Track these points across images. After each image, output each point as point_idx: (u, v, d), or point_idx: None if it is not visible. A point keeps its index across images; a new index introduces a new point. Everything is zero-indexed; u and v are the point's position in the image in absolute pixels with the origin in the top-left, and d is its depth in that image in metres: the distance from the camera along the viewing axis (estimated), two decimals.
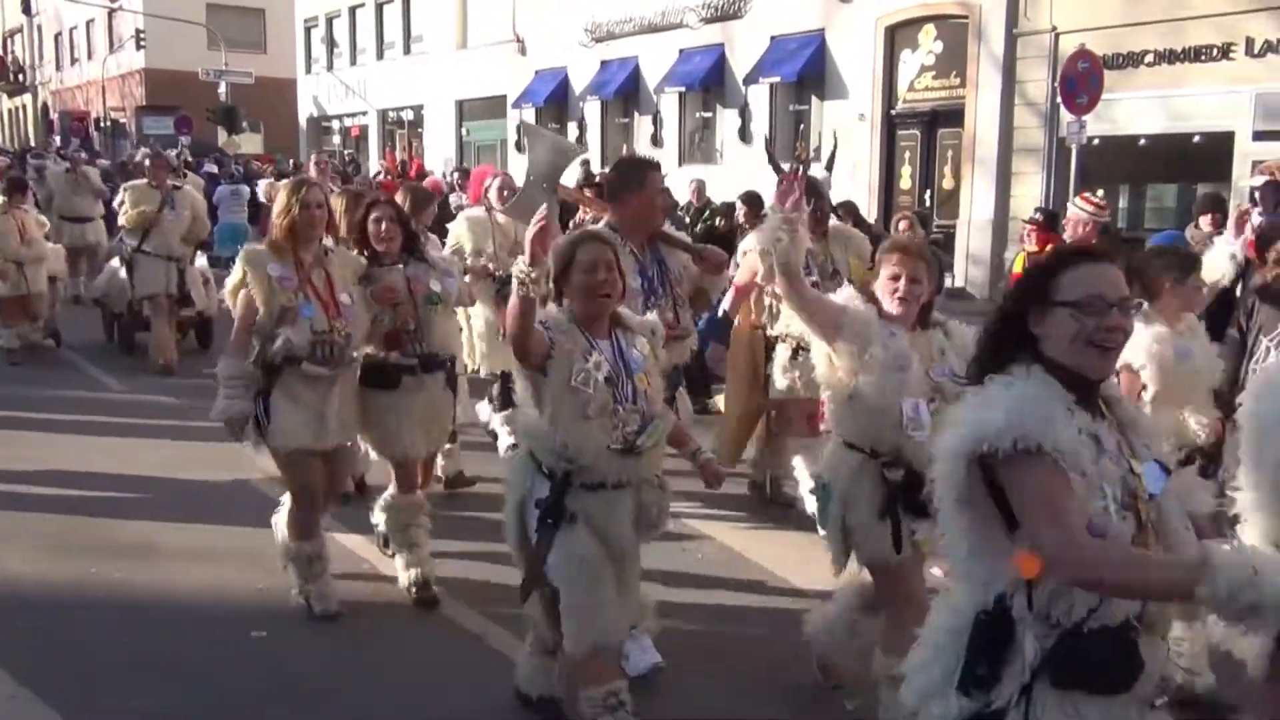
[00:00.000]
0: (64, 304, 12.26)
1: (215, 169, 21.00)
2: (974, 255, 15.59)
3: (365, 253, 4.89)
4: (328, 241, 4.70)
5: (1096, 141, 13.32)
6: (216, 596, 4.94)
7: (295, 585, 4.73)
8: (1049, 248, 7.18)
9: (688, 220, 10.41)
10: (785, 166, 5.46)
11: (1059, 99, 12.32)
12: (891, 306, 3.63)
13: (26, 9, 44.28)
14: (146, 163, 10.32)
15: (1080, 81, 11.59)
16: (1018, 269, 7.64)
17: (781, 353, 5.77)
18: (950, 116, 16.06)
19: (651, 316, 3.90)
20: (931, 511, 2.28)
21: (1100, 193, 7.13)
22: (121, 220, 9.96)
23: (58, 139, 38.53)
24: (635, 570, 3.62)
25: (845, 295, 3.76)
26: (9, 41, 53.95)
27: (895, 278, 3.62)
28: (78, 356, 10.64)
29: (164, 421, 8.12)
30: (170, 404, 8.75)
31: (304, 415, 4.47)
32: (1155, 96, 13.64)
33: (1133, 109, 13.81)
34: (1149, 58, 13.56)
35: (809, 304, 3.74)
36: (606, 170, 7.17)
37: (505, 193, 6.66)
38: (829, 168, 9.36)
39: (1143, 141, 14.07)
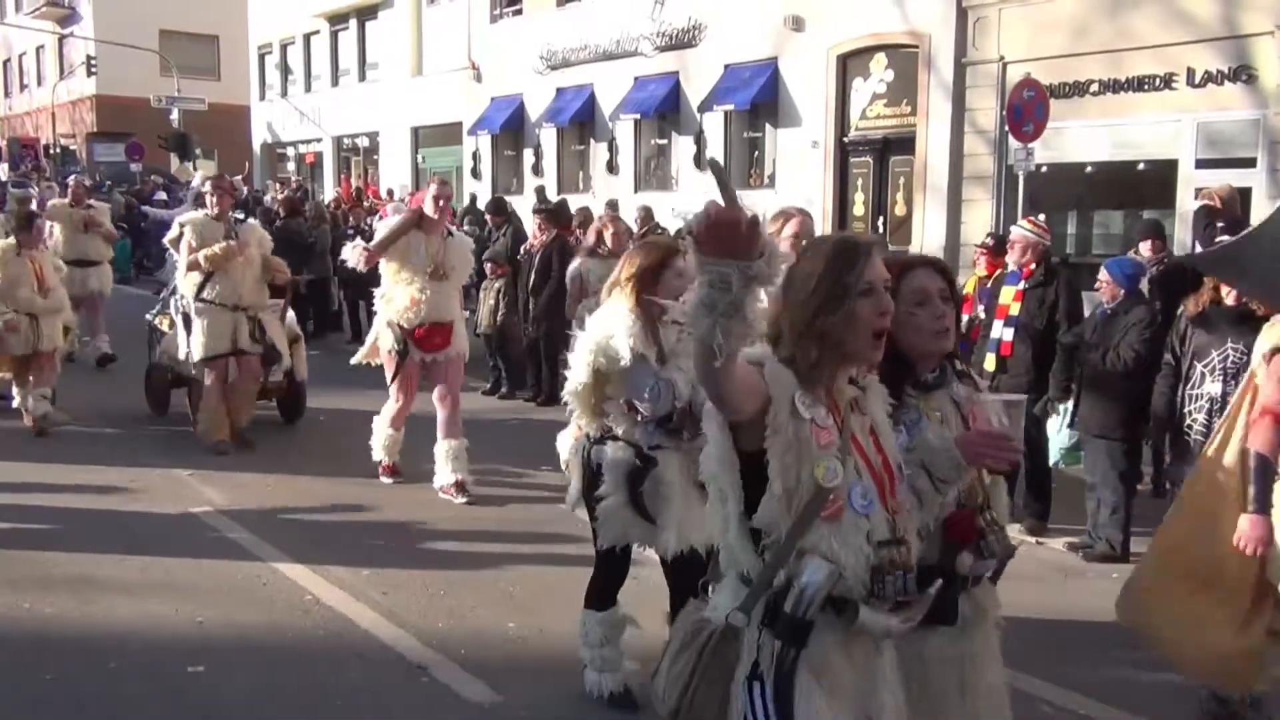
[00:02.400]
0: (78, 362, 11.12)
1: (165, 195, 20.72)
2: None
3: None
4: None
5: (1044, 169, 13.51)
6: (153, 631, 4.80)
7: None
8: (998, 272, 7.26)
9: None
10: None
11: (1006, 127, 12.49)
12: None
13: None
14: (207, 189, 8.25)
15: (1026, 110, 11.74)
16: (968, 291, 7.70)
17: None
18: (902, 144, 16.23)
19: None
20: None
21: (1041, 217, 7.21)
22: (183, 264, 7.89)
23: (5, 166, 37.91)
24: None
25: None
26: None
27: None
28: None
29: (106, 451, 7.95)
30: (114, 435, 8.59)
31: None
32: (1100, 125, 13.87)
33: (1079, 137, 14.03)
34: (1094, 87, 13.79)
35: None
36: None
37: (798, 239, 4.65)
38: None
39: (1089, 169, 14.29)
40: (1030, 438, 6.30)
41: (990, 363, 6.40)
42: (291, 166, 32.51)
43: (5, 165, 38.61)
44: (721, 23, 18.66)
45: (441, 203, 6.83)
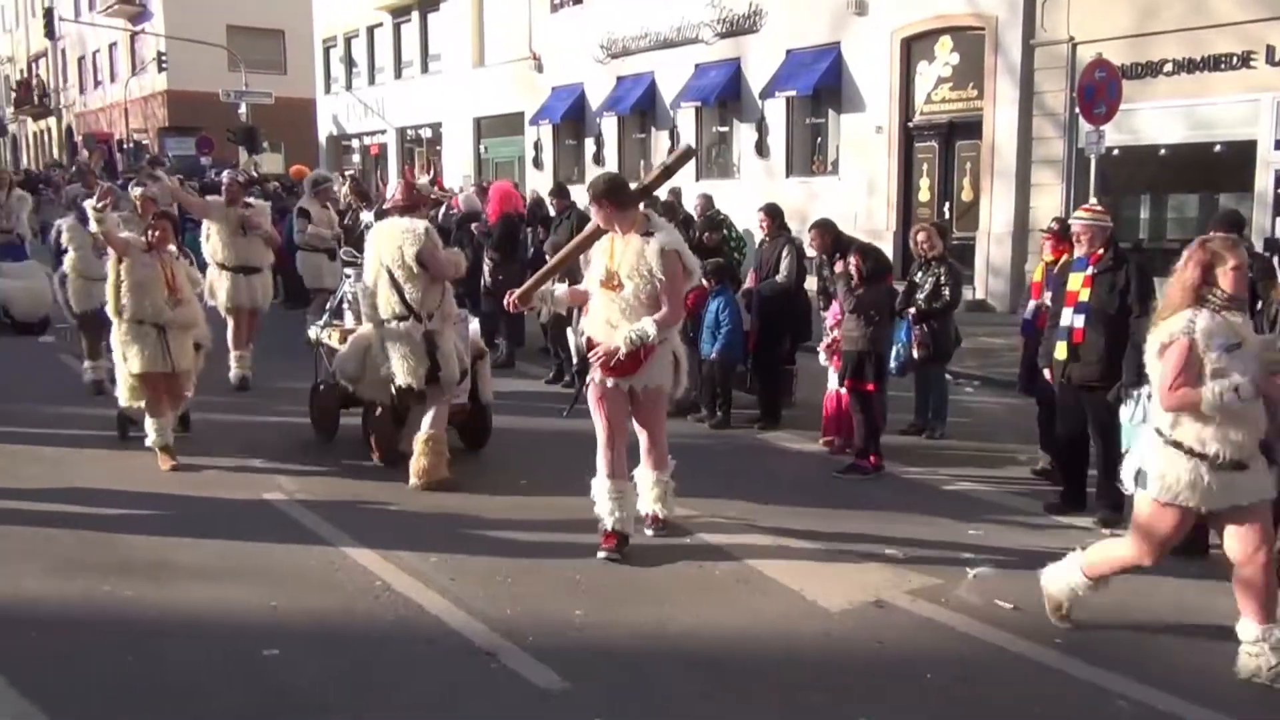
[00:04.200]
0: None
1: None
2: (994, 267, 15.47)
3: None
4: None
5: (1116, 152, 13.22)
6: (229, 614, 4.90)
7: None
8: (1064, 258, 7.10)
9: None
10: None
11: (1077, 109, 12.23)
12: None
13: (50, 33, 44.86)
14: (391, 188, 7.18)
15: (1098, 91, 11.50)
16: (1037, 278, 7.56)
17: None
18: (968, 128, 15.98)
19: None
20: None
21: (1093, 200, 6.97)
22: (413, 273, 6.83)
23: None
24: None
25: None
26: (34, 65, 54.65)
27: None
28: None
29: (180, 440, 8.10)
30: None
31: None
32: (1175, 106, 13.52)
33: (1152, 118, 13.70)
34: (1168, 67, 13.45)
35: None
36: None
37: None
38: None
39: (1163, 151, 13.94)
40: (1104, 426, 6.17)
41: (1061, 351, 6.26)
42: (356, 159, 32.94)
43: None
44: (783, 8, 18.52)
45: (595, 206, 5.61)
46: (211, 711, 4.06)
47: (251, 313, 10.11)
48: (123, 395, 7.52)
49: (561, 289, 6.06)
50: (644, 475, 5.97)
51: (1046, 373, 6.56)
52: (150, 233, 7.37)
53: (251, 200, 10.62)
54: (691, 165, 20.54)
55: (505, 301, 6.11)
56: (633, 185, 5.96)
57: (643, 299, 5.48)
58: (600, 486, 5.75)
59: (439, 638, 4.69)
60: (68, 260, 9.60)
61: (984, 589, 5.27)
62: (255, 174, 23.67)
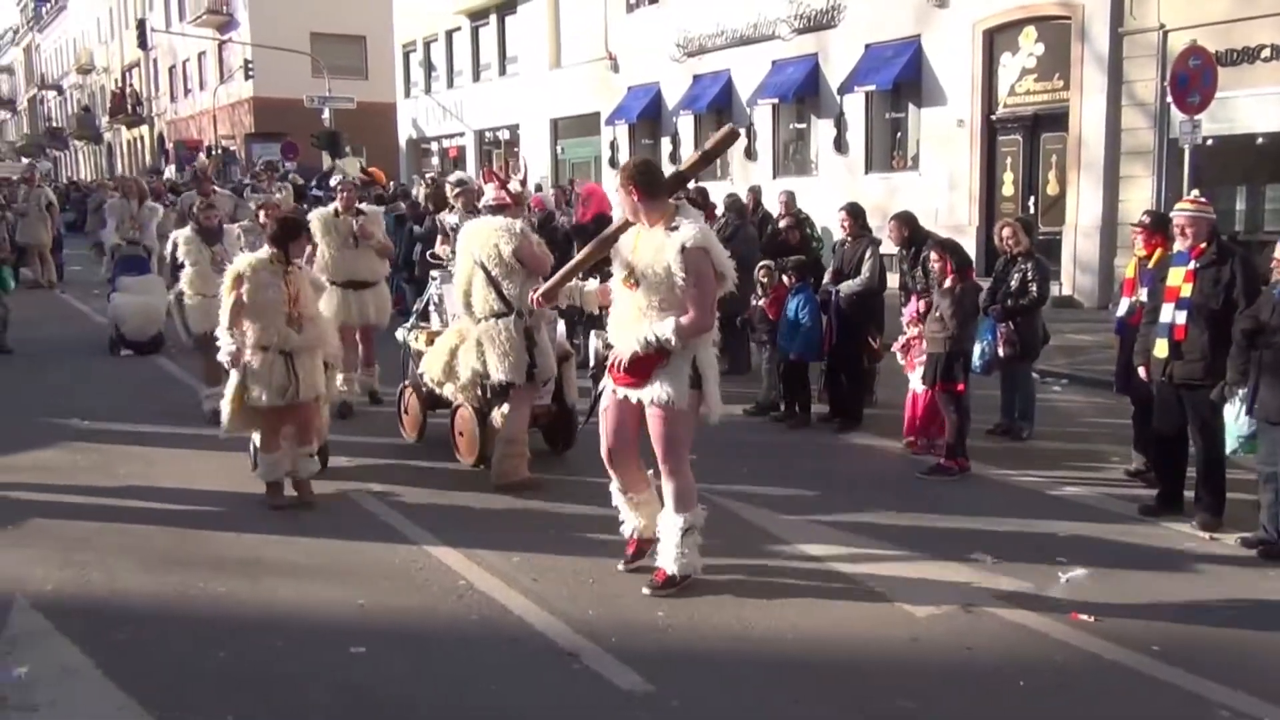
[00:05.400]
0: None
1: (320, 194, 21.40)
2: (1082, 262, 15.09)
3: None
4: None
5: (1210, 141, 12.78)
6: (317, 612, 4.98)
7: None
8: (1158, 252, 6.87)
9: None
10: None
11: (1169, 98, 11.86)
12: None
13: (143, 44, 46.24)
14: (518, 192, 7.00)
15: (1192, 79, 11.14)
16: (1129, 275, 7.33)
17: None
18: (1053, 120, 15.61)
19: None
20: None
21: (1195, 192, 6.69)
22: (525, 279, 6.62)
23: (172, 168, 40.10)
24: None
25: None
26: (128, 75, 56.45)
27: None
28: (181, 370, 10.66)
29: None
30: None
31: None
32: (1273, 93, 13.03)
33: (1249, 106, 13.23)
34: (1265, 52, 12.98)
35: None
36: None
37: None
38: None
39: (1260, 140, 13.45)
40: (1207, 426, 5.95)
41: (1162, 348, 6.04)
42: (435, 161, 33.38)
43: (172, 167, 40.92)
44: (861, 1, 18.28)
45: (622, 192, 5.00)
46: (301, 707, 4.12)
47: (364, 331, 9.28)
48: (226, 422, 6.69)
49: (592, 285, 5.59)
50: (663, 520, 5.22)
51: (1142, 370, 6.35)
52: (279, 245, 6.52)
53: (364, 208, 9.50)
54: (768, 162, 20.46)
55: (529, 298, 5.91)
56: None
57: (655, 302, 4.86)
58: (617, 496, 5.42)
59: (522, 638, 4.70)
60: (184, 277, 8.74)
61: (1076, 594, 5.13)
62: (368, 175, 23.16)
